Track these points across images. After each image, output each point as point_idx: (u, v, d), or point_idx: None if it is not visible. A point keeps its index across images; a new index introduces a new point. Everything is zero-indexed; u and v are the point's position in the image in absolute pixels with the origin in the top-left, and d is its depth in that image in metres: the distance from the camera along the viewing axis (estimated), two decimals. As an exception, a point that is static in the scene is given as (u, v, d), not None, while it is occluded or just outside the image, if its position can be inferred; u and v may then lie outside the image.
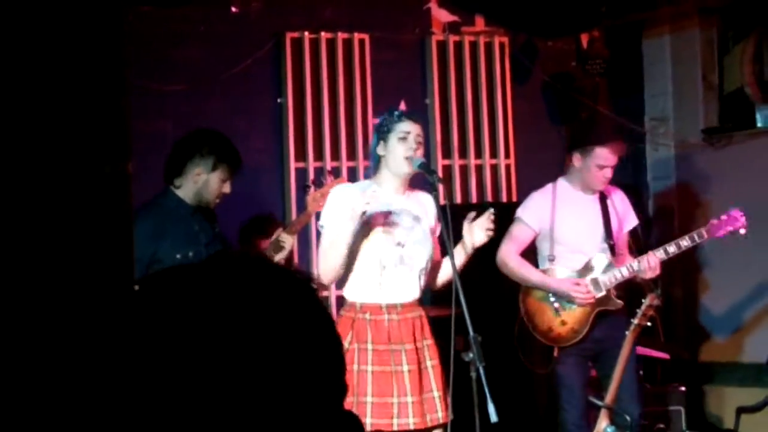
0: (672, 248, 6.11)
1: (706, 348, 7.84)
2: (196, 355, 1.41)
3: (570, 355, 6.02)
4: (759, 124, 7.66)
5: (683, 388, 6.93)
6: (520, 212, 6.16)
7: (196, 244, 5.24)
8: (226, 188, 5.33)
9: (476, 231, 5.07)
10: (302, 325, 1.44)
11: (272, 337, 1.41)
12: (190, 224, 5.27)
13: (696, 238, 6.14)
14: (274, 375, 1.40)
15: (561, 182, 6.20)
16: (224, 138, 5.39)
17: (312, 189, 5.70)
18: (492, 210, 5.13)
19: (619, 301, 6.05)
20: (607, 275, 6.03)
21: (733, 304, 7.66)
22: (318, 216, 5.30)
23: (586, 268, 6.06)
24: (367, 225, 4.97)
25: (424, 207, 5.17)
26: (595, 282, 6.03)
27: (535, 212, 6.12)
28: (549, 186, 6.23)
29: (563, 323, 6.04)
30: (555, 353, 6.01)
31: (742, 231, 6.17)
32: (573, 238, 6.07)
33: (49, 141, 2.70)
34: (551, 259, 6.10)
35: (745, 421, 6.91)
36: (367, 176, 5.34)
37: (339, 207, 5.01)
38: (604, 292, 6.03)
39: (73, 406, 2.43)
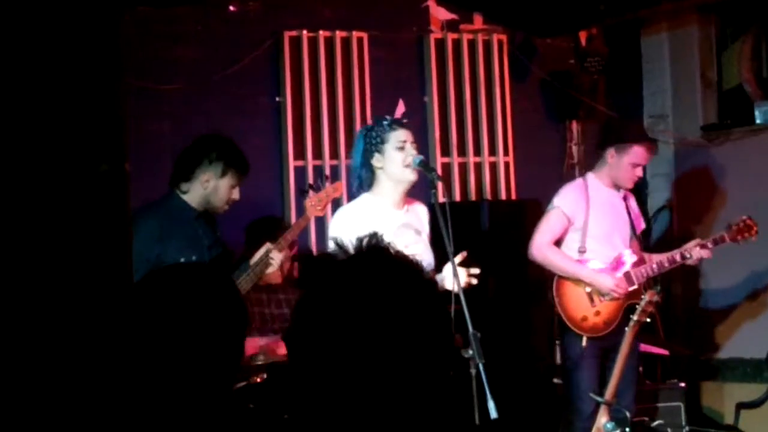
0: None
1: (705, 344, 7.84)
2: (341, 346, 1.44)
3: (594, 347, 6.08)
4: (758, 121, 7.66)
5: (683, 384, 6.93)
6: (558, 202, 6.22)
7: (200, 248, 5.26)
8: (235, 194, 5.34)
9: (459, 276, 4.94)
10: (421, 321, 1.47)
11: (392, 331, 1.45)
12: (193, 228, 5.29)
13: (719, 242, 6.27)
14: (390, 369, 1.43)
15: (590, 177, 6.29)
16: (232, 144, 5.38)
17: (310, 193, 5.65)
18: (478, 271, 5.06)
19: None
20: (639, 270, 6.12)
21: (733, 300, 7.66)
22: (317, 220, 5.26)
23: (618, 262, 6.14)
24: None
25: (420, 219, 5.18)
26: (628, 276, 6.11)
27: (572, 202, 6.19)
28: (580, 180, 6.36)
29: (597, 314, 6.11)
30: (584, 343, 6.06)
31: (753, 239, 6.35)
32: (604, 231, 6.16)
33: (47, 140, 2.70)
34: (582, 251, 6.15)
35: (745, 417, 6.92)
36: (354, 192, 5.22)
37: (347, 234, 4.97)
38: (636, 286, 6.11)
39: (72, 404, 2.44)
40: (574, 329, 6.10)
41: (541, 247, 6.14)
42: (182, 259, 5.10)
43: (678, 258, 6.18)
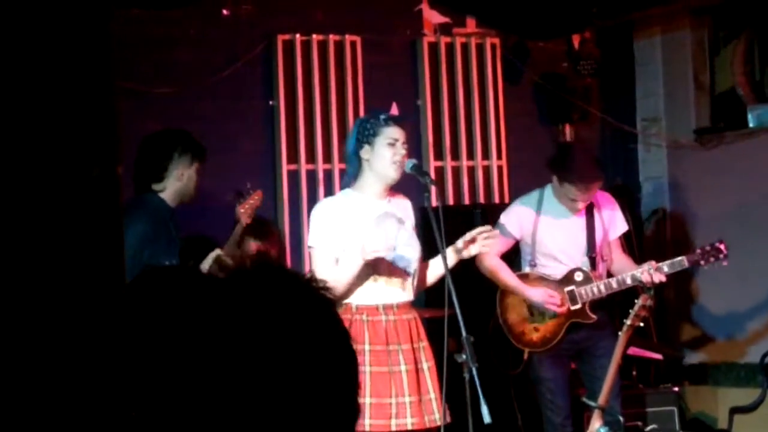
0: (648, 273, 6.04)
1: (699, 348, 7.84)
2: (210, 364, 1.32)
3: (546, 356, 6.03)
4: (751, 124, 7.67)
5: (676, 389, 6.93)
6: (503, 218, 6.16)
7: (175, 249, 5.37)
8: (198, 179, 5.59)
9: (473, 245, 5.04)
10: (317, 343, 1.35)
11: (283, 353, 1.33)
12: (170, 229, 5.40)
13: (677, 266, 6.09)
14: (283, 393, 1.32)
15: (547, 190, 6.16)
16: (188, 133, 5.62)
17: (237, 205, 5.84)
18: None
19: (593, 316, 6.05)
20: (585, 289, 6.04)
21: (726, 304, 7.66)
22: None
23: (566, 279, 6.06)
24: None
25: (404, 209, 5.16)
26: (572, 294, 6.03)
27: (517, 220, 6.13)
28: (535, 192, 6.20)
29: (536, 330, 6.07)
30: (525, 356, 6.03)
31: (724, 263, 6.16)
32: (554, 247, 6.08)
33: (37, 144, 2.69)
34: (532, 265, 6.12)
35: (739, 422, 6.91)
36: (345, 183, 5.25)
37: (326, 226, 4.98)
38: (579, 305, 6.04)
39: (63, 406, 2.42)
40: (515, 343, 6.08)
41: (483, 258, 5.97)
42: (166, 262, 5.17)
43: (629, 281, 6.01)
